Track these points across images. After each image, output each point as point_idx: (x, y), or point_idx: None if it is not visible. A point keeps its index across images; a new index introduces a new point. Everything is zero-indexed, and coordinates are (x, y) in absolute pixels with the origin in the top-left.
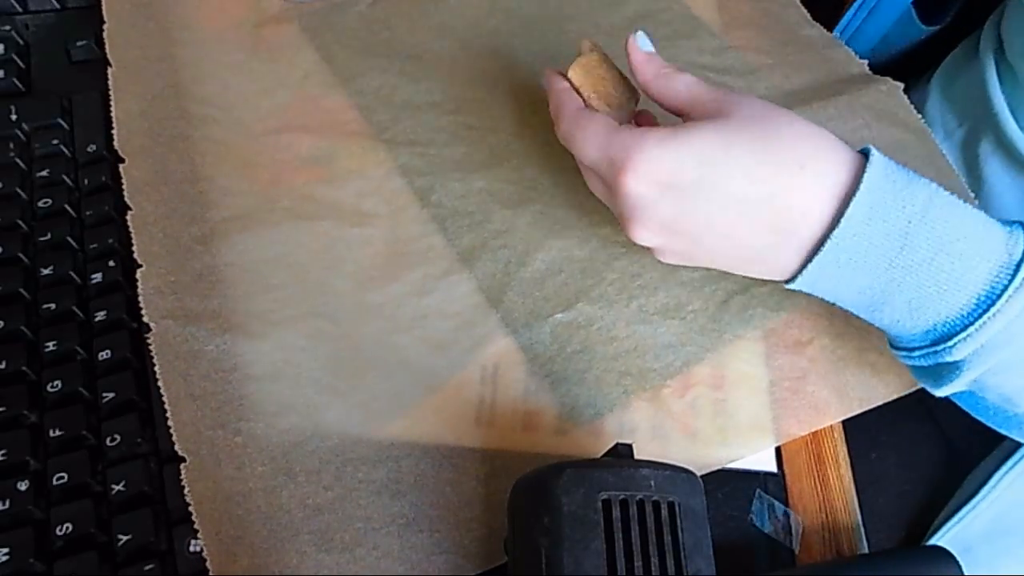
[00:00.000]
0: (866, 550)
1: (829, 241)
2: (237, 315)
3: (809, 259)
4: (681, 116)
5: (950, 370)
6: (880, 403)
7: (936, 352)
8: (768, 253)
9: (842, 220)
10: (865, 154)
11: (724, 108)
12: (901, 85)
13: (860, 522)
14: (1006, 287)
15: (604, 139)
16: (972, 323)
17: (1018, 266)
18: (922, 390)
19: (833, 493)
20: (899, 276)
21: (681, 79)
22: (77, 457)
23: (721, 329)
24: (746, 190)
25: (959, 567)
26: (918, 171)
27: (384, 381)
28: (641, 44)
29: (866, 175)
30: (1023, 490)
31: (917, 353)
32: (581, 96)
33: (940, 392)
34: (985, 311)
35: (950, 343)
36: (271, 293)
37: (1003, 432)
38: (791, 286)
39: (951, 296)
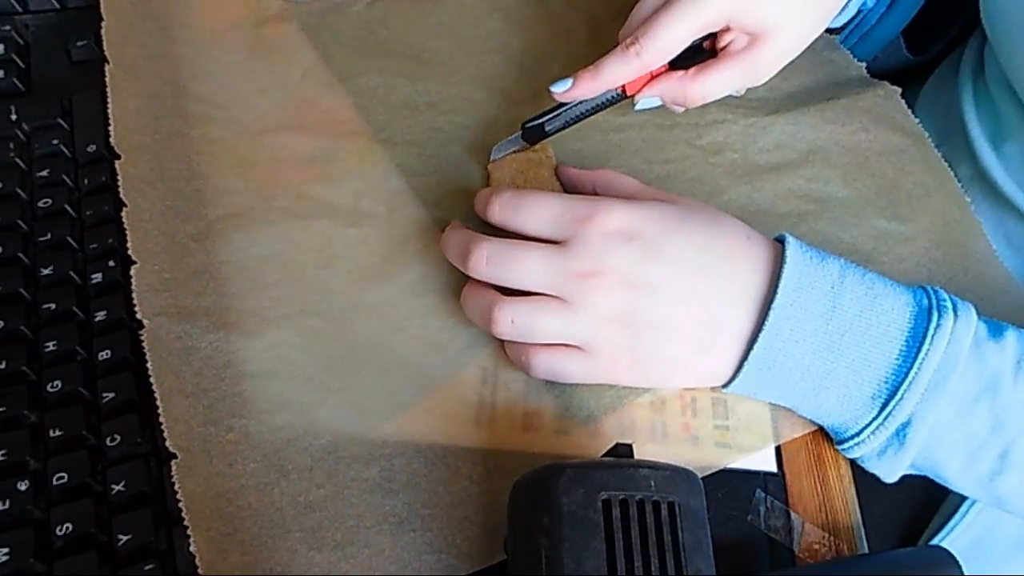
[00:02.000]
0: (866, 550)
1: (772, 312)
2: (231, 313)
3: (753, 339)
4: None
5: (900, 439)
6: None
7: (887, 417)
8: (712, 334)
9: (778, 288)
10: (781, 241)
11: (668, 196)
12: (899, 90)
13: (860, 522)
14: (927, 324)
15: (561, 200)
16: (912, 364)
17: (937, 300)
18: None
19: (833, 493)
20: (836, 339)
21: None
22: (77, 457)
23: None
24: (700, 256)
25: (959, 567)
26: (915, 176)
27: (378, 380)
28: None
29: (787, 252)
30: (996, 514)
31: (867, 431)
32: None
33: (894, 476)
34: (919, 348)
35: (898, 396)
36: (266, 291)
37: None
38: (734, 384)
39: (886, 345)
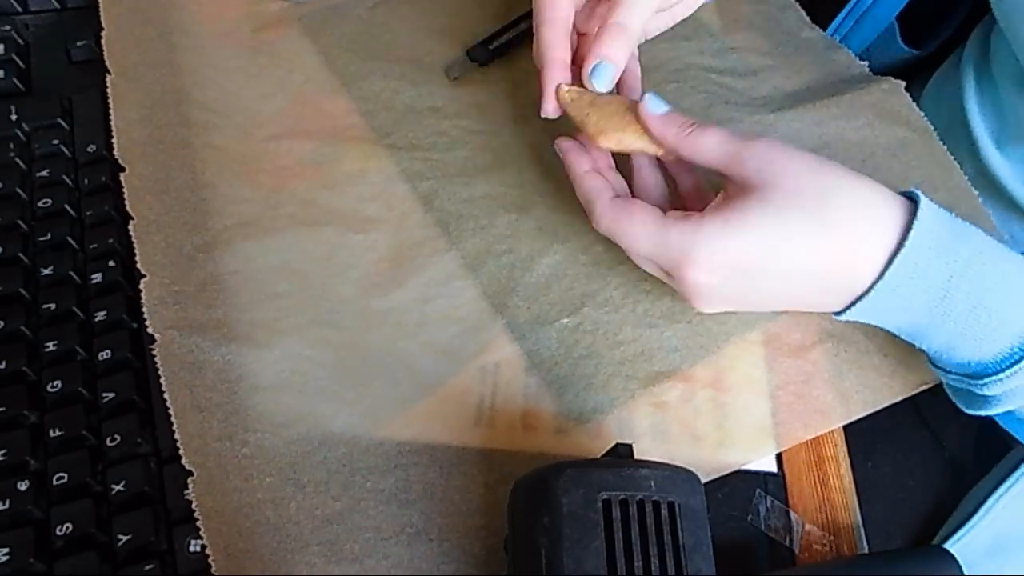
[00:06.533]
0: (866, 550)
1: (872, 291)
2: (242, 324)
3: (853, 304)
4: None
5: (982, 402)
6: (884, 406)
7: (969, 384)
8: (817, 304)
9: (886, 274)
10: (914, 199)
11: (769, 177)
12: (903, 84)
13: (860, 522)
14: None
15: (656, 235)
16: (1004, 370)
17: None
18: (919, 397)
19: (833, 493)
20: (937, 322)
21: (708, 136)
22: (77, 457)
23: (727, 332)
24: (806, 265)
25: (959, 567)
26: (921, 170)
27: (391, 389)
28: (652, 108)
29: (912, 233)
30: (1022, 508)
31: (952, 376)
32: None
33: (972, 412)
34: (1017, 362)
35: (981, 382)
36: (276, 301)
37: None
38: (838, 317)
39: (986, 345)
